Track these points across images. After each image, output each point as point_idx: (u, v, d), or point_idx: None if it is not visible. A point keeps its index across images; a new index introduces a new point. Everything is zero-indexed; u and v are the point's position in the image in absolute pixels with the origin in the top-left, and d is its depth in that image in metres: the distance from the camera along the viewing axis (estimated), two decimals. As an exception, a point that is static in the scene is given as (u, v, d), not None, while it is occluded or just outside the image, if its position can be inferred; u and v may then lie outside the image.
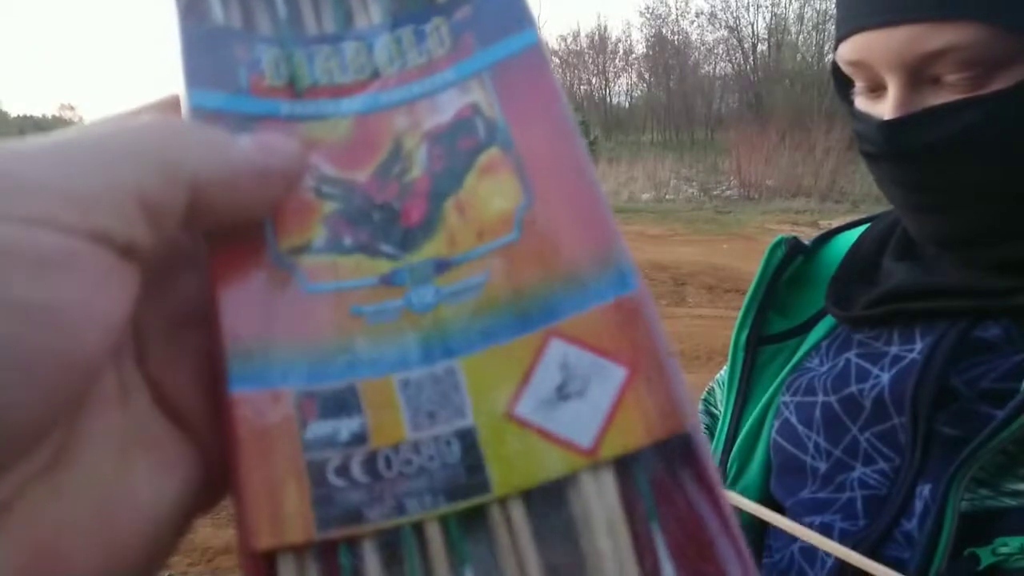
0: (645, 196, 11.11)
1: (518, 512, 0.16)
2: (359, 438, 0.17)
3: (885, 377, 0.48)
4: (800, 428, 0.52)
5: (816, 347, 0.55)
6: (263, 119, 0.19)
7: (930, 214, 0.48)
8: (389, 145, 0.19)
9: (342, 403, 0.17)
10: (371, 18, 0.20)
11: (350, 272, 0.18)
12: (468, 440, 0.17)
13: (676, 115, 19.40)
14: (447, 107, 0.19)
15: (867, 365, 0.49)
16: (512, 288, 0.18)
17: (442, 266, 0.18)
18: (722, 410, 0.59)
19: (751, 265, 0.59)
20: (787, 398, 0.54)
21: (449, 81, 0.20)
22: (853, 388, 0.49)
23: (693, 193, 11.25)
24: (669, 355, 0.17)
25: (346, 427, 0.17)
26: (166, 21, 0.20)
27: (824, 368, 0.53)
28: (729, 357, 0.59)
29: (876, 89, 0.47)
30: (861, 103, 0.49)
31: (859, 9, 0.45)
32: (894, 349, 0.49)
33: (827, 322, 0.56)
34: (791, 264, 0.57)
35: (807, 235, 0.62)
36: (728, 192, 11.23)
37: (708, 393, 0.67)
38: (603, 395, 0.17)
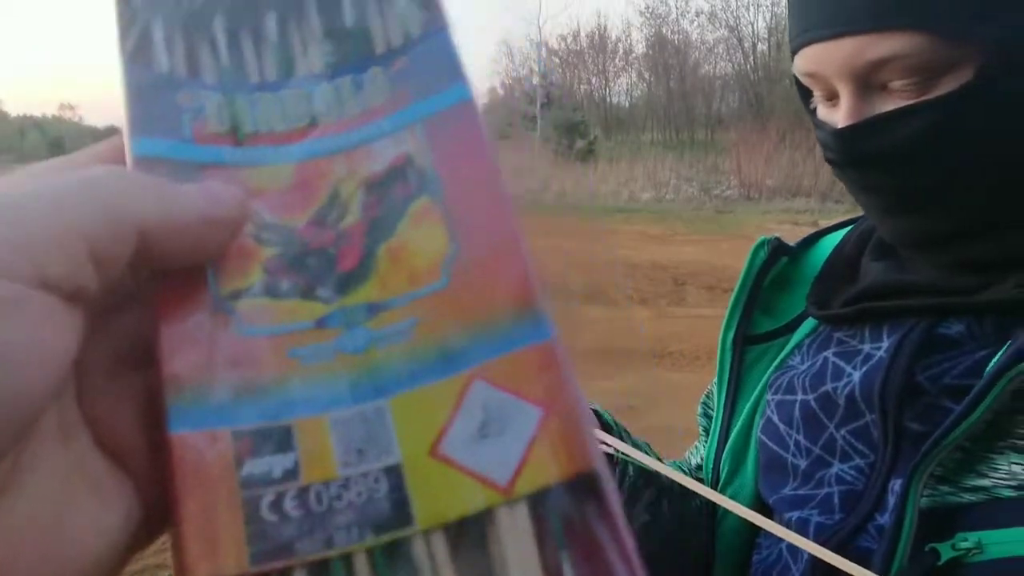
0: (645, 196, 11.13)
1: (440, 545, 0.17)
2: (291, 474, 0.17)
3: (856, 375, 0.48)
4: (782, 426, 0.53)
5: (799, 346, 0.56)
6: (207, 166, 0.20)
7: (892, 216, 0.49)
8: (327, 191, 0.20)
9: (277, 441, 0.18)
10: (311, 66, 0.21)
11: (287, 316, 0.19)
12: (395, 476, 0.17)
13: (676, 115, 19.42)
14: (382, 156, 0.20)
15: (842, 363, 0.50)
16: (439, 333, 0.18)
17: (374, 309, 0.19)
18: (714, 411, 0.60)
19: (751, 265, 0.60)
20: (770, 396, 0.55)
21: (385, 131, 0.20)
22: (828, 386, 0.50)
23: (693, 193, 11.27)
24: (580, 398, 0.18)
25: (280, 464, 0.17)
26: (113, 67, 0.20)
27: (804, 366, 0.53)
28: (717, 358, 0.59)
29: (832, 98, 0.48)
30: (820, 111, 0.50)
31: (807, 22, 0.46)
32: (866, 347, 0.49)
33: (811, 322, 0.57)
34: (775, 265, 0.58)
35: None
36: (728, 192, 11.25)
37: (706, 396, 0.67)
38: (519, 435, 0.17)
